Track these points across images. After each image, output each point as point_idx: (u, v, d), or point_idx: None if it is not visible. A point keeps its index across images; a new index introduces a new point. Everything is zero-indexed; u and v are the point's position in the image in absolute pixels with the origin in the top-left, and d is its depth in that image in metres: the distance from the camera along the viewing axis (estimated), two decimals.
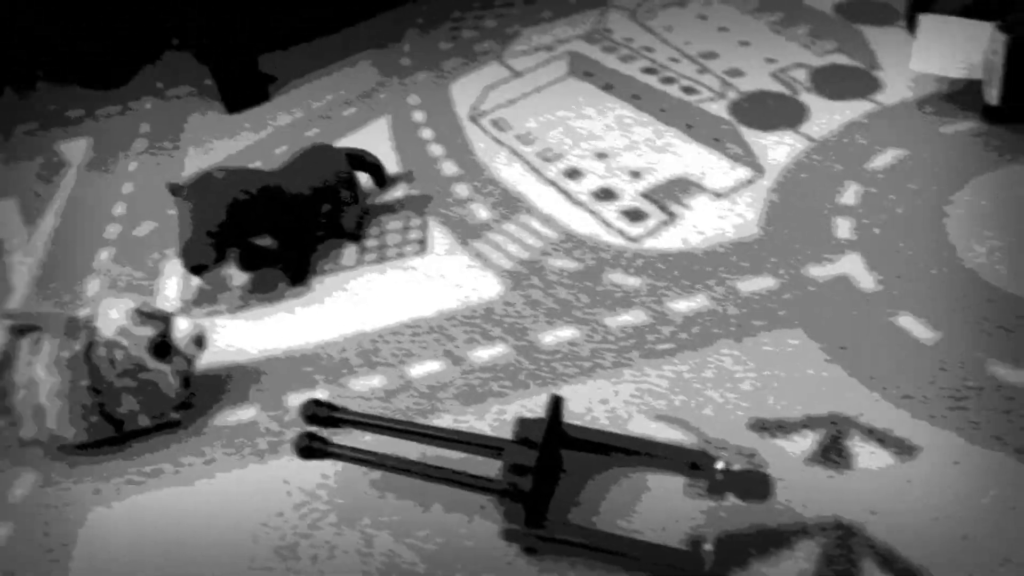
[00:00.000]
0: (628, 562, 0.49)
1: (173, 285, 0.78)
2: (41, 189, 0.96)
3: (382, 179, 0.85)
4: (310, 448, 0.53)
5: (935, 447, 0.53)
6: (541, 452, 0.50)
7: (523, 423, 0.53)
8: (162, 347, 0.60)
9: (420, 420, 0.60)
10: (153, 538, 0.55)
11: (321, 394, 0.64)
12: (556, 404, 0.52)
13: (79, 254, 0.85)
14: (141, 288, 0.78)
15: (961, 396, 0.56)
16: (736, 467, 0.52)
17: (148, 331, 0.59)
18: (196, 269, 0.68)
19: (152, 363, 0.59)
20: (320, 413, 0.54)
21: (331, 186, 0.76)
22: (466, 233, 0.78)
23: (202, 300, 0.75)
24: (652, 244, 0.73)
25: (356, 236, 0.79)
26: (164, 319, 0.61)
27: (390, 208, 0.83)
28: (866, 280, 0.66)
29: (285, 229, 0.72)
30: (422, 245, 0.78)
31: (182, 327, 0.61)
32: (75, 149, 1.04)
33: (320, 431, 0.56)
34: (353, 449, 0.53)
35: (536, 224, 0.78)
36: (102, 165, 0.99)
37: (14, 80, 1.21)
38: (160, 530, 0.56)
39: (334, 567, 0.52)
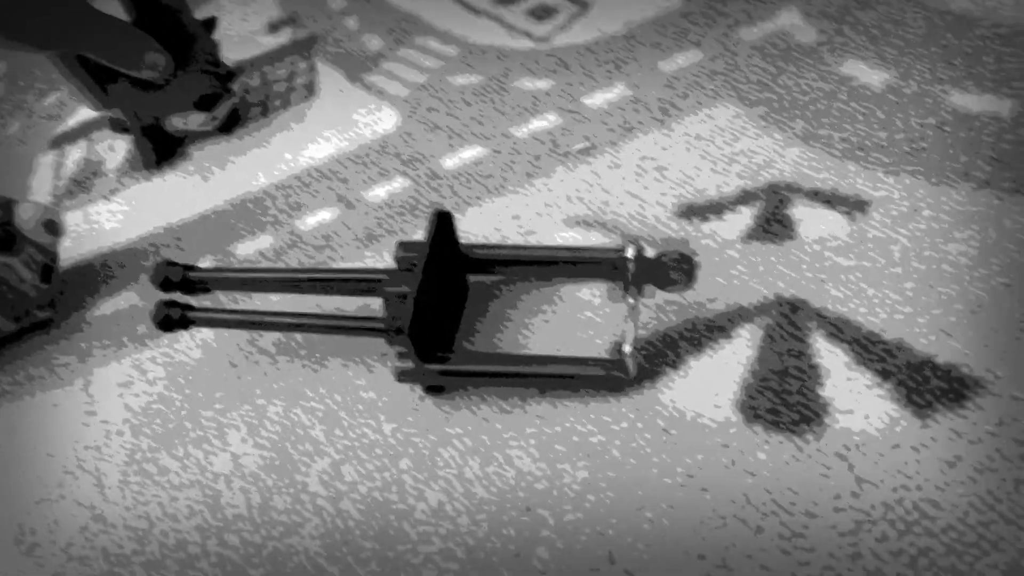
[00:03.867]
0: (543, 381, 0.42)
1: (45, 179, 0.69)
2: None
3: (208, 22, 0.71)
4: (169, 318, 0.45)
5: (891, 197, 0.45)
6: (426, 276, 0.42)
7: (405, 246, 0.45)
8: (4, 238, 0.52)
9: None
10: (34, 446, 0.49)
11: (203, 264, 0.56)
12: (442, 220, 0.44)
13: None
14: (15, 189, 0.70)
15: (920, 136, 0.47)
16: (649, 252, 0.44)
17: None
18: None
19: None
20: (173, 276, 0.46)
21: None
22: (358, 68, 0.69)
23: (75, 191, 0.67)
24: (563, 40, 0.63)
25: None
26: (3, 205, 0.53)
27: (275, 57, 0.73)
28: (806, 33, 0.56)
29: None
30: (309, 89, 0.68)
31: (27, 213, 0.53)
32: None
33: (185, 299, 0.49)
34: (218, 311, 0.46)
35: (434, 43, 0.68)
36: None
37: None
38: (42, 436, 0.50)
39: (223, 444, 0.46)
